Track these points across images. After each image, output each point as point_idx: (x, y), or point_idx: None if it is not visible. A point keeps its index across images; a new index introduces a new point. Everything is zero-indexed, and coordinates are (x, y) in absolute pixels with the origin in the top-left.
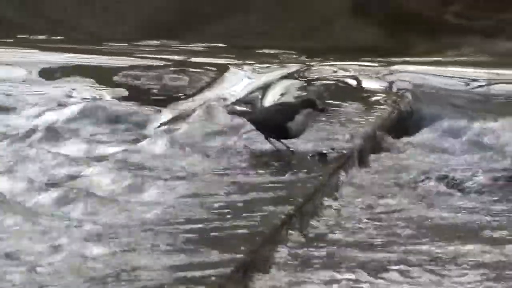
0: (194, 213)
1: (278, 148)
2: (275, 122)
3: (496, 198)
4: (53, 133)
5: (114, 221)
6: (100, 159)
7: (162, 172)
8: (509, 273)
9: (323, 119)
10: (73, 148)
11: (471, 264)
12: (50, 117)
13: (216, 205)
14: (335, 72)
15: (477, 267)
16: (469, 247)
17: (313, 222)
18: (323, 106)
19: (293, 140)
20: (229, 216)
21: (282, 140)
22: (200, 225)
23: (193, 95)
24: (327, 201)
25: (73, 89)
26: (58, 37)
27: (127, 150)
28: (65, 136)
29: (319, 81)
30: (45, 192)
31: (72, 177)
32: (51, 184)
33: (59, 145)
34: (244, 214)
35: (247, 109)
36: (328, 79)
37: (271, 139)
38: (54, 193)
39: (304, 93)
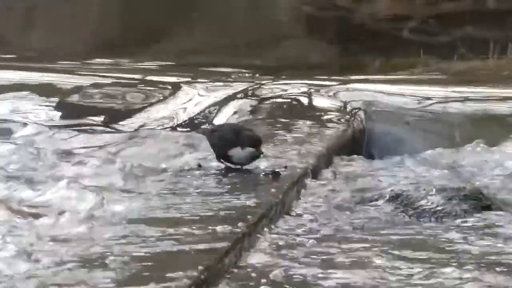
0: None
1: (230, 166)
2: (220, 147)
3: (449, 218)
4: None
5: None
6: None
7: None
8: None
9: (278, 137)
10: None
11: None
12: None
13: (165, 225)
14: (288, 90)
15: None
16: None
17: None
18: (260, 152)
19: None
20: (181, 235)
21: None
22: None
23: (145, 113)
24: (278, 221)
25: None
26: (9, 56)
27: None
28: None
29: (271, 99)
30: None
31: None
32: None
33: None
34: (196, 233)
35: (205, 127)
36: (281, 97)
37: (222, 160)
38: None
39: (255, 113)
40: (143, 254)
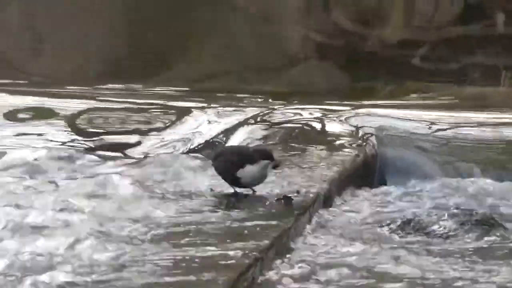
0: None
1: (238, 192)
2: (226, 171)
3: (462, 242)
4: None
5: None
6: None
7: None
8: None
9: (288, 163)
10: None
11: None
12: None
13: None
14: (299, 115)
15: None
16: None
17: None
18: (279, 161)
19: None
20: (194, 260)
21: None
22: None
23: (155, 137)
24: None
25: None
26: (21, 81)
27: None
28: None
29: (283, 125)
30: None
31: None
32: None
33: None
34: (207, 259)
35: (212, 151)
36: (292, 122)
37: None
38: None
39: (266, 138)
40: None
